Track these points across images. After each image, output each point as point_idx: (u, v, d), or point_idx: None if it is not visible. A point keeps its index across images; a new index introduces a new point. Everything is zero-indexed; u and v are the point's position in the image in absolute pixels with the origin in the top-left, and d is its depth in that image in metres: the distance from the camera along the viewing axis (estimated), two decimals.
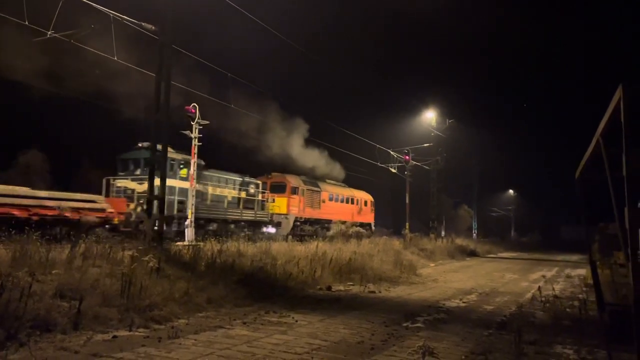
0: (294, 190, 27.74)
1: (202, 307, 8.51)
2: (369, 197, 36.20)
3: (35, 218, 13.89)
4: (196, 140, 19.51)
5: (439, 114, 35.57)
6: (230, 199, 23.38)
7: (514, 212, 74.74)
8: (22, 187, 15.15)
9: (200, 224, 20.94)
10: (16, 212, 13.76)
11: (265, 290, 10.25)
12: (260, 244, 15.50)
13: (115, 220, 16.57)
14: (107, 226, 16.16)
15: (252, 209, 24.75)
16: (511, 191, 75.45)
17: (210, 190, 22.14)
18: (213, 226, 21.86)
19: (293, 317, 8.29)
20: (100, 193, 18.62)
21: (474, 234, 54.62)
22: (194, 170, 19.89)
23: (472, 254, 32.31)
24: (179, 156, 20.34)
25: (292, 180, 28.11)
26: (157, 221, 12.13)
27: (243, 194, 24.19)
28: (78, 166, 34.85)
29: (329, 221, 30.13)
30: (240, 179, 24.45)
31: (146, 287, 8.08)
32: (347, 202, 33.19)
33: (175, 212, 19.84)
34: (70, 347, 5.80)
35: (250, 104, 24.03)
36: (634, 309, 3.27)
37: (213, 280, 9.69)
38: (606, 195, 4.21)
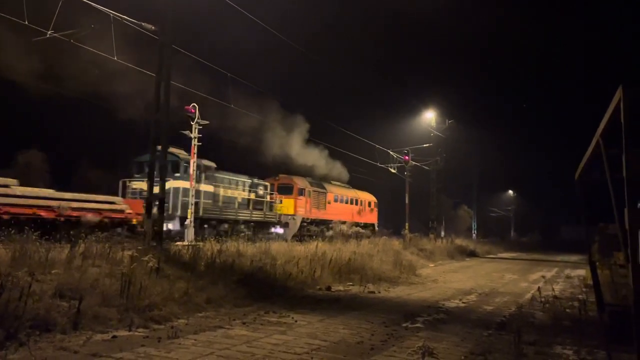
0: (301, 192, 28.26)
1: (202, 307, 8.51)
2: (372, 198, 36.76)
3: (61, 219, 14.40)
4: (196, 140, 19.54)
5: (439, 115, 35.60)
6: (240, 200, 23.93)
7: (514, 213, 74.80)
8: (47, 190, 15.67)
9: (212, 225, 21.62)
10: (43, 214, 14.22)
11: (265, 290, 10.24)
12: (259, 244, 15.50)
13: (134, 221, 16.99)
14: (125, 227, 16.60)
15: (261, 209, 25.36)
16: (511, 191, 75.53)
17: (221, 191, 22.64)
18: (224, 226, 22.38)
19: (292, 317, 8.29)
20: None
21: (474, 235, 54.64)
22: (193, 170, 19.91)
23: (472, 254, 32.32)
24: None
25: (299, 182, 28.59)
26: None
27: (252, 196, 24.78)
28: (77, 166, 34.89)
29: (335, 222, 30.57)
30: (250, 180, 24.93)
31: (146, 287, 8.07)
32: (352, 203, 33.68)
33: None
34: (69, 347, 5.80)
35: (250, 103, 24.08)
36: (634, 310, 3.27)
37: (213, 280, 9.68)
38: (606, 195, 4.21)
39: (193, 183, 19.90)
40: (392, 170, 33.22)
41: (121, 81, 17.86)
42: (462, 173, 56.94)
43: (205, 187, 21.47)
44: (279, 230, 26.65)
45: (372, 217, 36.33)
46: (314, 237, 25.24)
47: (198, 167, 20.87)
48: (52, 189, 16.38)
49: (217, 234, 19.73)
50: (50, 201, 14.68)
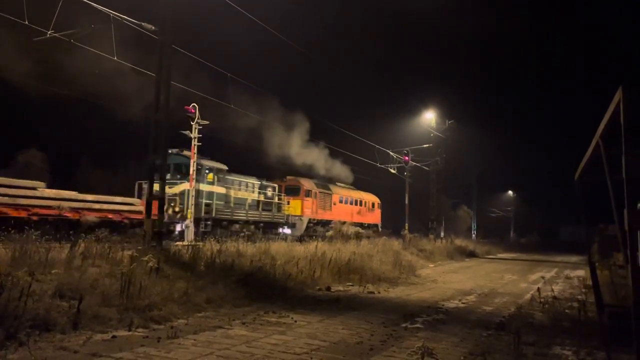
0: (308, 193, 29.12)
1: (202, 307, 8.51)
2: (375, 199, 37.53)
3: (83, 220, 15.09)
4: (196, 140, 19.55)
5: (439, 115, 35.64)
6: (250, 201, 24.72)
7: (514, 213, 74.79)
8: (71, 192, 16.32)
9: (224, 225, 22.27)
10: (68, 215, 15.02)
11: (265, 290, 10.24)
12: (259, 244, 15.51)
13: None
14: (144, 227, 16.68)
15: (270, 210, 26.15)
16: (510, 192, 75.53)
17: (232, 193, 23.35)
18: (235, 227, 22.90)
19: (292, 318, 8.29)
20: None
21: (473, 235, 54.63)
22: (193, 170, 19.93)
23: (471, 254, 32.32)
24: (205, 162, 21.63)
25: (306, 184, 29.39)
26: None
27: (261, 197, 25.59)
28: (78, 166, 34.89)
29: (345, 223, 30.87)
30: (259, 182, 25.63)
31: (145, 287, 8.07)
32: (356, 204, 34.44)
33: (202, 213, 21.02)
34: (69, 347, 5.80)
35: (250, 103, 24.11)
36: (634, 311, 3.28)
37: (212, 281, 9.68)
38: (606, 196, 4.22)
39: (193, 183, 19.91)
40: (392, 171, 33.26)
41: (121, 81, 17.87)
42: (462, 173, 56.98)
43: (218, 189, 22.22)
44: (287, 230, 27.38)
45: (375, 218, 37.17)
46: (321, 237, 25.46)
47: (211, 169, 21.86)
48: (52, 188, 16.51)
49: (229, 235, 20.14)
50: (74, 203, 15.46)
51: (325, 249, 15.45)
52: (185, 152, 20.82)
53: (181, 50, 15.45)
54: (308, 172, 33.02)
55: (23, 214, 13.94)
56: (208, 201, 21.39)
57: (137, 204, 17.66)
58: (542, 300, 10.65)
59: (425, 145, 34.68)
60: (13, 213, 13.85)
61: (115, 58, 13.85)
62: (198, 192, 20.66)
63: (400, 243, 25.23)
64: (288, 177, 29.55)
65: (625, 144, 3.28)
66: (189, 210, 19.52)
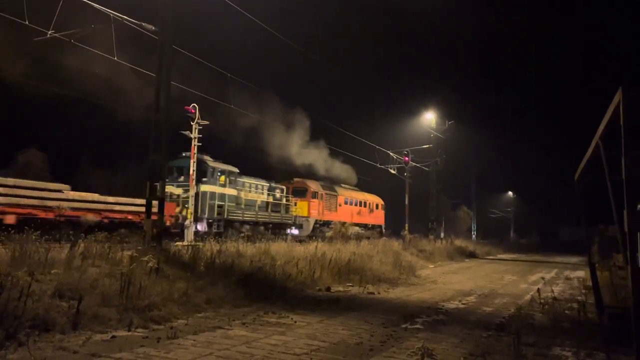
0: (314, 195, 29.89)
1: (201, 308, 8.50)
2: (379, 201, 38.19)
3: (106, 221, 16.05)
4: (196, 140, 19.55)
5: (439, 116, 35.67)
6: (260, 203, 25.47)
7: (513, 214, 74.80)
8: (94, 194, 16.92)
9: (235, 226, 23.00)
10: (92, 216, 15.73)
11: (265, 290, 10.24)
12: (259, 244, 15.52)
13: (168, 223, 18.45)
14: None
15: (279, 212, 26.92)
16: (510, 193, 75.56)
17: (243, 195, 24.04)
18: (246, 227, 23.61)
19: (292, 318, 8.29)
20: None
21: (473, 236, 54.66)
22: (193, 171, 19.93)
23: (471, 255, 32.32)
24: (217, 165, 22.49)
25: (313, 186, 30.14)
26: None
27: (270, 199, 26.37)
28: (78, 166, 34.89)
29: (345, 223, 31.20)
30: (268, 184, 26.45)
31: (145, 287, 8.07)
32: (360, 205, 35.12)
33: (215, 214, 21.81)
34: (69, 347, 5.80)
35: (250, 103, 24.13)
36: (633, 312, 3.28)
37: (212, 281, 9.68)
38: (606, 196, 4.22)
39: (193, 184, 19.92)
40: (392, 171, 33.29)
41: (121, 81, 17.87)
42: (462, 174, 57.06)
43: (229, 191, 22.91)
44: (295, 231, 28.10)
45: (379, 219, 37.88)
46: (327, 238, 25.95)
47: (222, 172, 22.57)
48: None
49: (243, 236, 20.85)
50: (97, 204, 16.21)
51: (325, 250, 15.45)
52: (199, 155, 21.44)
53: (181, 51, 15.46)
54: (314, 174, 33.72)
55: (51, 216, 14.69)
56: (220, 203, 22.13)
57: (155, 206, 17.77)
58: (542, 301, 10.65)
59: (425, 146, 34.71)
60: (42, 214, 14.57)
61: (116, 58, 13.85)
62: (212, 194, 21.60)
63: (400, 244, 25.24)
64: (295, 179, 30.12)
65: (625, 145, 3.29)
66: (189, 211, 19.54)
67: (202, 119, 19.69)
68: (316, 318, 8.46)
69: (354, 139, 29.69)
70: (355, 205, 34.51)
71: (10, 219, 13.74)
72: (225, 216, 22.32)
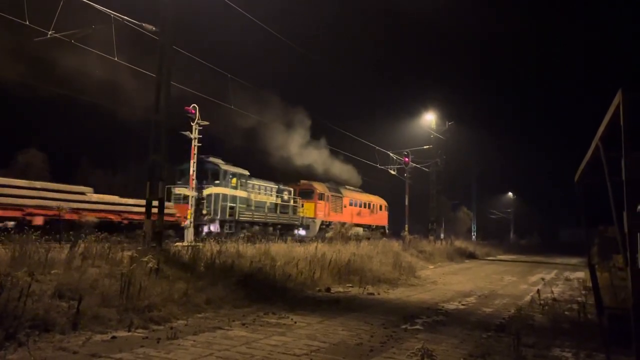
0: (321, 196, 30.64)
1: (201, 308, 8.50)
2: (383, 202, 38.83)
3: (125, 222, 16.78)
4: (196, 140, 19.55)
5: (439, 117, 35.66)
6: (269, 204, 26.19)
7: (513, 215, 74.79)
8: (114, 196, 17.57)
9: (245, 227, 23.68)
10: (112, 217, 16.41)
11: (264, 291, 10.23)
12: (259, 244, 15.52)
13: (182, 224, 19.72)
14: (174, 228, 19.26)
15: (287, 213, 27.66)
16: (510, 193, 75.53)
17: (253, 196, 24.80)
18: (255, 228, 24.22)
19: (292, 319, 8.29)
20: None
21: (473, 236, 54.63)
22: (193, 171, 19.94)
23: (471, 256, 32.31)
24: (229, 168, 23.25)
25: (319, 187, 30.88)
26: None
27: (279, 200, 27.07)
28: (78, 166, 34.89)
29: (345, 224, 31.82)
30: (276, 186, 27.19)
31: (145, 287, 8.07)
32: (365, 206, 35.79)
33: (227, 216, 22.51)
34: (69, 348, 5.80)
35: (251, 103, 24.15)
36: (633, 313, 3.28)
37: (212, 281, 9.68)
38: (606, 197, 4.22)
39: (193, 184, 19.93)
40: (392, 172, 33.30)
41: (121, 81, 17.87)
42: (462, 175, 57.04)
43: (241, 193, 23.67)
44: (302, 232, 28.79)
45: (383, 220, 38.58)
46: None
47: (234, 174, 23.34)
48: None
49: (252, 236, 21.56)
50: (117, 206, 16.80)
51: (325, 250, 15.45)
52: (212, 159, 22.80)
53: (182, 51, 15.45)
54: (314, 174, 34.08)
55: (75, 217, 15.29)
56: (232, 204, 22.87)
57: (171, 207, 19.27)
58: (542, 302, 10.64)
59: (425, 147, 34.70)
60: (67, 216, 15.07)
61: (116, 58, 13.86)
62: (224, 196, 22.36)
63: (400, 244, 25.24)
64: (302, 181, 30.81)
65: (625, 147, 3.29)
66: (188, 211, 19.54)
67: (202, 120, 19.68)
68: (316, 319, 8.46)
69: (354, 139, 29.82)
70: (360, 206, 35.13)
71: (38, 220, 14.31)
72: (237, 217, 23.07)
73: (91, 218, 15.42)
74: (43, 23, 13.05)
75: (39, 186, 15.45)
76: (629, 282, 3.36)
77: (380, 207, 38.21)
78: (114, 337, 6.44)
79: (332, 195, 31.80)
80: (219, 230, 21.76)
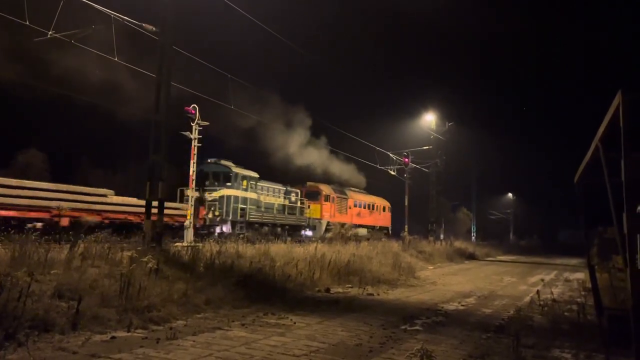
0: (327, 198, 31.51)
1: (201, 309, 8.50)
2: (386, 203, 39.75)
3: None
4: (196, 141, 19.53)
5: (439, 117, 35.68)
6: (277, 206, 27.02)
7: (513, 215, 74.76)
8: (132, 198, 18.09)
9: (255, 228, 24.55)
10: (132, 218, 17.01)
11: (264, 291, 10.23)
12: (258, 245, 15.53)
13: (197, 225, 20.47)
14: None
15: (294, 214, 28.56)
16: (510, 194, 75.51)
17: (262, 198, 25.66)
18: (265, 229, 25.14)
19: (291, 319, 8.29)
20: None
21: (473, 237, 54.63)
22: (193, 171, 19.92)
23: (471, 256, 32.30)
24: (240, 170, 24.06)
25: (325, 189, 31.78)
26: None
27: (286, 202, 27.92)
28: (78, 166, 34.87)
29: (354, 225, 32.84)
30: (284, 188, 28.05)
31: (145, 287, 8.06)
32: (368, 208, 36.74)
33: (238, 217, 23.38)
34: (68, 348, 5.80)
35: (251, 104, 24.17)
36: (633, 314, 3.28)
37: (212, 282, 9.67)
38: (605, 198, 4.22)
39: (193, 185, 19.93)
40: (392, 173, 33.33)
41: (122, 81, 17.88)
42: (462, 176, 57.05)
43: (251, 195, 24.50)
44: (309, 232, 29.60)
45: (386, 221, 39.50)
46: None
47: (245, 177, 24.22)
48: None
49: (262, 236, 22.48)
50: (136, 208, 17.13)
51: (324, 251, 15.44)
52: (223, 162, 23.85)
53: (182, 52, 15.45)
54: (312, 174, 34.58)
55: (98, 219, 16.00)
56: (243, 206, 23.74)
57: (185, 209, 20.10)
58: (541, 302, 10.63)
59: (425, 147, 34.72)
60: (90, 217, 15.82)
61: (116, 59, 13.86)
62: (235, 198, 23.32)
63: (400, 245, 25.25)
64: (308, 183, 31.61)
65: (624, 148, 3.29)
66: (188, 212, 19.53)
67: (202, 120, 19.66)
68: (315, 319, 8.46)
69: (354, 139, 29.89)
70: (364, 207, 36.00)
71: (64, 222, 14.89)
72: (247, 218, 23.89)
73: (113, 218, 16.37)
74: (43, 23, 13.06)
75: (64, 189, 16.02)
76: (629, 283, 3.36)
77: (384, 208, 39.07)
78: (113, 338, 6.44)
79: (338, 197, 32.58)
80: (230, 231, 22.42)
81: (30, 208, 14.35)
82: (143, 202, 17.45)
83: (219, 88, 18.79)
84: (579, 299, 11.14)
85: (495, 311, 10.58)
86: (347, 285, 13.11)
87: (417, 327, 8.25)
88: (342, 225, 29.92)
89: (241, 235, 20.50)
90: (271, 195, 26.65)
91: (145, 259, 8.82)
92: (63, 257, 8.86)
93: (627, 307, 4.20)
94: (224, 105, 18.83)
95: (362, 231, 33.22)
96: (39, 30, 13.04)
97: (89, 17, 13.52)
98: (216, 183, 23.33)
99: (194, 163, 19.92)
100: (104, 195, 17.08)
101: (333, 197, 32.07)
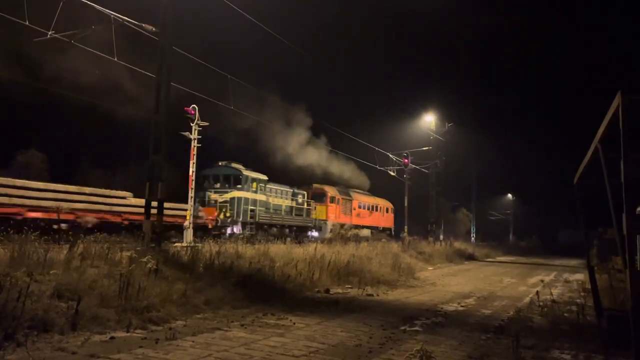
0: (332, 200, 32.09)
1: (200, 309, 8.50)
2: (389, 205, 40.39)
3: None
4: (195, 141, 19.51)
5: (438, 118, 35.67)
6: (285, 207, 27.75)
7: (513, 216, 74.74)
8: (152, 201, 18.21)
9: (264, 229, 25.24)
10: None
11: (263, 292, 10.23)
12: (258, 245, 15.52)
13: (210, 226, 21.51)
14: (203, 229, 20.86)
15: (301, 215, 29.22)
16: (510, 195, 75.49)
17: (271, 200, 26.34)
18: (273, 230, 25.77)
19: (291, 320, 8.29)
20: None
21: (473, 238, 54.62)
22: (192, 172, 19.90)
23: (471, 257, 32.29)
24: (250, 173, 24.78)
25: (330, 191, 32.35)
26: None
27: (294, 203, 28.64)
28: (78, 166, 34.83)
29: (359, 226, 33.83)
30: (291, 190, 28.68)
31: (144, 288, 8.05)
32: (372, 209, 37.44)
33: (248, 218, 24.09)
34: (67, 348, 5.80)
35: (250, 104, 24.16)
36: (632, 315, 3.28)
37: (211, 282, 9.67)
38: (605, 199, 4.22)
39: (192, 185, 19.91)
40: (392, 173, 33.32)
41: (122, 81, 17.89)
42: (462, 176, 57.05)
43: (260, 197, 25.22)
44: (315, 233, 30.18)
45: (389, 222, 40.35)
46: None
47: (254, 179, 24.94)
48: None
49: (270, 237, 23.01)
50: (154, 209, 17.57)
51: (324, 251, 15.44)
52: (234, 165, 24.69)
53: (182, 52, 15.44)
54: (313, 175, 35.02)
55: (118, 219, 16.66)
56: (252, 207, 24.43)
57: (200, 211, 20.97)
58: (541, 303, 10.64)
59: (424, 148, 34.69)
60: (111, 218, 16.65)
61: (116, 59, 13.85)
62: (245, 200, 24.05)
63: (399, 245, 25.25)
64: (314, 185, 32.08)
65: (624, 148, 3.29)
66: (187, 212, 19.51)
67: (202, 120, 19.64)
68: (315, 320, 8.46)
69: (353, 140, 29.93)
70: (368, 209, 36.68)
71: (87, 223, 15.51)
72: (257, 219, 24.57)
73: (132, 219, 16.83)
74: (43, 23, 13.05)
75: (88, 191, 16.89)
76: (628, 284, 3.36)
77: (387, 209, 39.81)
78: (112, 338, 6.43)
79: (343, 199, 33.20)
80: (241, 232, 23.04)
81: (56, 210, 14.86)
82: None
83: (218, 88, 18.80)
84: (578, 300, 11.14)
85: (494, 312, 10.57)
86: (347, 286, 13.10)
87: (416, 328, 8.24)
88: (342, 225, 30.11)
89: (241, 236, 20.65)
90: (279, 197, 27.25)
91: (144, 259, 8.82)
92: (62, 257, 8.84)
93: (626, 308, 4.20)
94: (223, 106, 18.83)
95: (366, 232, 33.88)
96: (38, 30, 13.04)
97: (88, 17, 13.53)
98: (227, 185, 24.12)
99: (193, 163, 19.90)
100: (124, 197, 17.79)
101: (338, 199, 32.65)
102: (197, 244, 14.36)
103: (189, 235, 18.69)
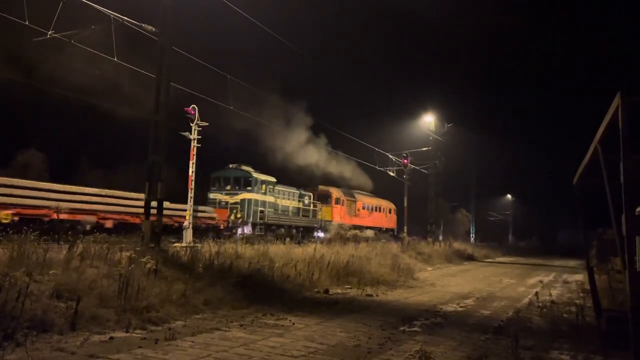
0: (337, 201, 32.79)
1: (199, 309, 8.50)
2: (392, 206, 41.09)
3: (176, 225, 19.17)
4: (195, 141, 19.51)
5: (438, 119, 35.64)
6: (292, 208, 28.63)
7: (512, 217, 74.74)
8: (165, 202, 19.00)
9: (273, 229, 25.99)
10: (165, 220, 17.07)
11: (263, 292, 10.23)
12: (257, 245, 15.51)
13: (221, 226, 22.38)
14: (214, 230, 21.68)
15: (308, 216, 30.03)
16: (509, 196, 75.49)
17: (279, 201, 27.18)
18: (281, 230, 26.52)
19: (290, 320, 8.29)
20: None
21: (472, 238, 54.64)
22: (192, 172, 19.89)
23: (470, 258, 32.30)
24: (259, 175, 25.68)
25: (336, 192, 33.00)
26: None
27: (300, 204, 29.49)
28: (77, 166, 34.82)
29: (363, 227, 34.36)
30: (298, 191, 29.51)
31: (143, 288, 8.05)
32: (376, 210, 38.14)
33: (258, 219, 24.88)
34: (66, 348, 5.79)
35: (250, 104, 24.14)
36: (631, 316, 3.29)
37: (210, 282, 9.67)
38: (604, 200, 4.22)
39: (192, 185, 19.90)
40: (391, 174, 33.33)
41: (122, 81, 17.88)
42: (461, 177, 57.08)
43: (269, 198, 26.06)
44: (321, 234, 30.69)
45: (392, 223, 40.95)
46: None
47: (263, 182, 25.77)
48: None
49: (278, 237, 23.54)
50: (169, 211, 18.19)
51: (324, 252, 15.43)
52: (244, 167, 25.50)
53: (182, 52, 15.44)
54: (312, 175, 35.20)
55: (137, 221, 16.84)
56: (262, 209, 25.28)
57: (211, 212, 21.84)
58: (540, 304, 10.64)
59: (424, 149, 34.68)
60: (131, 220, 17.25)
61: (116, 59, 13.85)
62: (255, 201, 24.87)
63: (399, 246, 25.25)
64: (320, 187, 32.64)
65: (623, 149, 3.29)
66: (187, 212, 19.51)
67: (202, 120, 19.64)
68: (314, 320, 8.46)
69: (352, 140, 29.96)
70: (372, 210, 37.40)
71: (109, 224, 16.31)
72: (266, 220, 25.39)
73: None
74: (43, 23, 13.05)
75: (108, 194, 17.64)
76: (627, 284, 3.36)
77: (390, 210, 40.59)
78: (111, 338, 6.43)
79: (347, 200, 33.86)
80: (251, 232, 23.83)
81: (80, 211, 15.75)
82: (172, 206, 19.07)
83: (218, 88, 18.79)
84: (577, 301, 11.14)
85: (494, 312, 10.58)
86: (346, 286, 13.10)
87: (415, 329, 8.25)
88: (341, 225, 30.17)
89: (240, 236, 20.82)
90: (287, 199, 28.07)
91: (144, 260, 8.82)
92: (62, 258, 8.84)
93: (625, 309, 4.21)
94: (223, 106, 18.82)
95: (370, 233, 34.26)
96: (38, 30, 13.03)
97: (88, 17, 13.52)
98: (237, 187, 24.93)
99: (193, 164, 19.89)
100: (140, 199, 17.63)
101: (343, 200, 33.31)
102: (196, 244, 14.37)
103: (188, 235, 18.69)
